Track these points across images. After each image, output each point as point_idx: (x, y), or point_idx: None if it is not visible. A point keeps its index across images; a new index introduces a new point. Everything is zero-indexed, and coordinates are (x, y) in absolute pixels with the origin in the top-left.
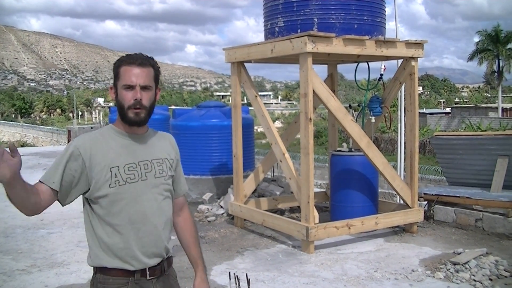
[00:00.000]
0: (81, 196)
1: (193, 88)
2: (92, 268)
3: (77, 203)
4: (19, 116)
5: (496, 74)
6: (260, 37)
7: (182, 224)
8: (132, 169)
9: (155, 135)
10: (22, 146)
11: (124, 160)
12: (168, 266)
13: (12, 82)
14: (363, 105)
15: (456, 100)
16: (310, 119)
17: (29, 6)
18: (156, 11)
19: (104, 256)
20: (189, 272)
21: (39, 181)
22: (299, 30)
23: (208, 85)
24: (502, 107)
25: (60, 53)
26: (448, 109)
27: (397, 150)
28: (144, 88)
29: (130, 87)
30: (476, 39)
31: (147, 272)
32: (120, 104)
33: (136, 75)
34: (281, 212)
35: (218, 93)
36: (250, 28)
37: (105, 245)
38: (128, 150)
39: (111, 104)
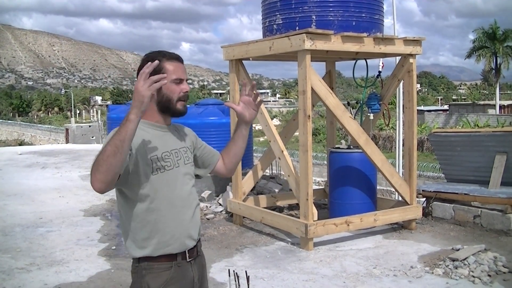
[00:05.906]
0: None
1: (191, 86)
2: (132, 258)
3: (77, 201)
4: (16, 115)
5: (493, 71)
6: (254, 34)
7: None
8: (167, 157)
9: (174, 126)
10: (20, 144)
11: (160, 149)
12: (200, 247)
13: (9, 80)
14: (361, 102)
15: (453, 97)
16: (309, 116)
17: (21, 4)
18: (148, 9)
19: (147, 245)
20: None
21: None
22: (297, 28)
23: (206, 83)
24: (500, 104)
25: (58, 51)
26: (445, 106)
27: (395, 147)
28: (186, 81)
29: (180, 81)
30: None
31: (187, 255)
32: (167, 97)
33: (182, 70)
34: (280, 209)
35: (216, 91)
36: (245, 25)
37: (147, 234)
38: (161, 140)
39: (109, 102)
